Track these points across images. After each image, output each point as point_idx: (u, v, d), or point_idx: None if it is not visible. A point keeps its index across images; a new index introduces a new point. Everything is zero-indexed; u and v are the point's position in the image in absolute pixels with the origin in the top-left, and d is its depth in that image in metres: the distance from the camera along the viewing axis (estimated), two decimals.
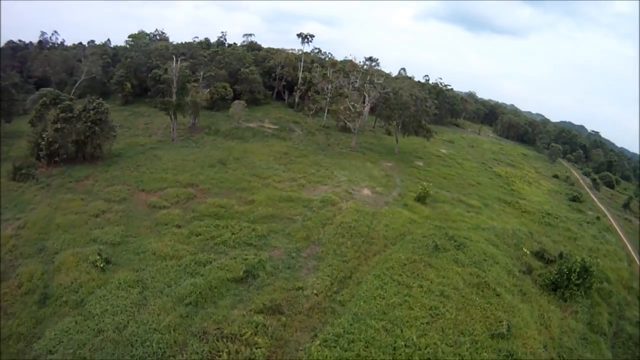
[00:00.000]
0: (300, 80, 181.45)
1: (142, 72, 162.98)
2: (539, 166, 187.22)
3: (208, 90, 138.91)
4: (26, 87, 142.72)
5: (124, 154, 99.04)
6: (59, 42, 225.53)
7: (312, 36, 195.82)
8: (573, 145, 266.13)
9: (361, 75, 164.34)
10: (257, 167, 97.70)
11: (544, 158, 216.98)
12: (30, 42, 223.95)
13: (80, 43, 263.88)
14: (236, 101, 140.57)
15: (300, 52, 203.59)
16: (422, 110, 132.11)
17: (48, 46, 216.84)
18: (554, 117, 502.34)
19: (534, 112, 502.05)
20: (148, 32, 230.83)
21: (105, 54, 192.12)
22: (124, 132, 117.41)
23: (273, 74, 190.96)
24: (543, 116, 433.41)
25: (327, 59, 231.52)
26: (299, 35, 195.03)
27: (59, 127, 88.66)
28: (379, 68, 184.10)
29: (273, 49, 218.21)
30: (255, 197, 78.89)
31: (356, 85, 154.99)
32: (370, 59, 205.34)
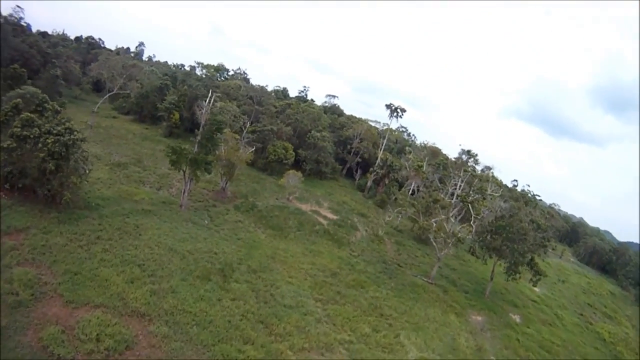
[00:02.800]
0: (378, 161, 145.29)
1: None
2: (630, 314, 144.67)
3: (253, 149, 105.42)
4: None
5: (99, 208, 68.20)
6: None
7: (403, 110, 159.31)
8: None
9: (465, 177, 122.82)
10: (278, 298, 59.26)
11: (631, 298, 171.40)
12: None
13: (150, 58, 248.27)
14: (292, 172, 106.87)
15: (385, 127, 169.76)
16: (539, 244, 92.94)
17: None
18: (622, 235, 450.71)
19: (602, 228, 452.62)
20: (229, 67, 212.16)
21: (167, 74, 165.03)
22: (133, 173, 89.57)
23: (349, 146, 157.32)
24: (611, 234, 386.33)
25: (411, 141, 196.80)
26: (388, 106, 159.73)
27: (10, 145, 61.67)
28: (493, 173, 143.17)
29: (354, 117, 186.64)
30: None
31: (458, 191, 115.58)
32: (468, 152, 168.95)
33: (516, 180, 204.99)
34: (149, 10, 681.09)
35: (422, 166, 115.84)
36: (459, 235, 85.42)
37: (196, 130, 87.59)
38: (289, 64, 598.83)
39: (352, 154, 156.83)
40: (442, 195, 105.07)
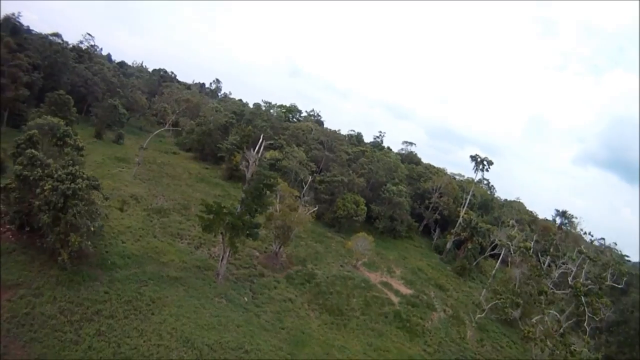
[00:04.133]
0: (460, 220, 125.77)
1: None
2: None
3: (315, 208, 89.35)
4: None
5: (114, 269, 56.01)
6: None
7: (490, 163, 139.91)
8: None
9: (578, 259, 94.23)
10: None
11: None
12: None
13: (226, 95, 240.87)
14: (362, 234, 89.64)
15: (469, 181, 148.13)
16: None
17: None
18: None
19: None
20: (303, 108, 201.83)
21: (235, 112, 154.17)
22: (173, 223, 76.57)
23: (427, 201, 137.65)
24: None
25: (493, 194, 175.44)
26: (473, 158, 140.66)
27: (9, 186, 53.60)
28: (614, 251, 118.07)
29: (433, 167, 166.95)
30: None
31: (570, 278, 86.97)
32: (563, 214, 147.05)
33: (603, 239, 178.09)
34: (230, 47, 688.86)
35: (529, 248, 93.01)
36: (573, 347, 63.82)
37: (242, 184, 70.86)
38: (364, 107, 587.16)
39: (430, 209, 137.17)
40: (549, 284, 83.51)
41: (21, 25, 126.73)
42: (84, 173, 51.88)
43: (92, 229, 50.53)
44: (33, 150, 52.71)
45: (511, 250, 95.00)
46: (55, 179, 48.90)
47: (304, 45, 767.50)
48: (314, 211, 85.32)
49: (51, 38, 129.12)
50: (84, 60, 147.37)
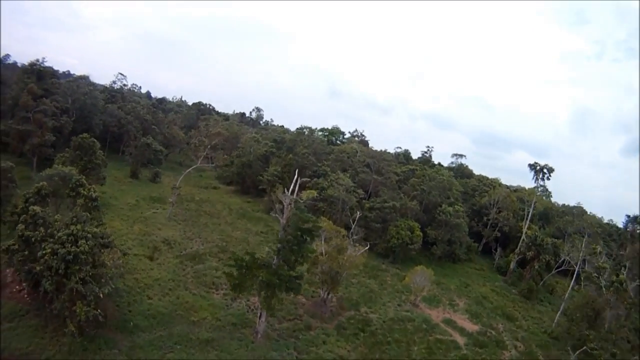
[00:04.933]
0: (523, 239, 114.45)
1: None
2: None
3: (367, 247, 78.04)
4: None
5: (136, 332, 49.99)
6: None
7: (550, 170, 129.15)
8: None
9: None
10: None
11: None
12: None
13: (268, 122, 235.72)
14: (419, 268, 79.71)
15: (529, 192, 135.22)
16: None
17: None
18: None
19: None
20: (345, 129, 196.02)
21: (275, 140, 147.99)
22: (208, 271, 70.22)
23: (485, 218, 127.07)
24: None
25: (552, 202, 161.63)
26: (532, 166, 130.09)
27: (11, 247, 47.14)
28: None
29: (486, 178, 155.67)
30: None
31: None
32: (635, 220, 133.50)
33: None
34: (270, 74, 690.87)
35: (623, 281, 78.44)
36: None
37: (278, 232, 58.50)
38: (407, 120, 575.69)
39: (488, 226, 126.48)
40: None
41: (54, 70, 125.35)
42: (89, 233, 44.92)
43: (100, 295, 43.53)
44: (35, 207, 46.78)
45: (602, 287, 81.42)
46: (56, 240, 42.53)
47: (342, 64, 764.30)
48: (365, 250, 75.40)
49: (80, 80, 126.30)
50: (116, 100, 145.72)
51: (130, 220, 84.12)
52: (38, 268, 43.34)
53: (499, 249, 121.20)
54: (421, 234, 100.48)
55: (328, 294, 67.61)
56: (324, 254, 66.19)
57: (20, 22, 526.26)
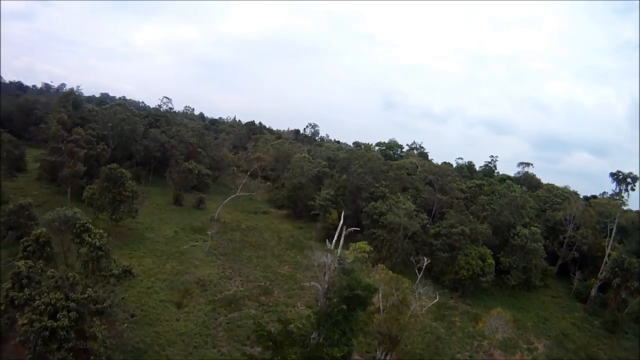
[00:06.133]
0: (606, 262, 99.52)
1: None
2: None
3: (436, 300, 64.93)
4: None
5: None
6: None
7: (635, 179, 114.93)
8: None
9: None
10: None
11: None
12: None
13: (323, 139, 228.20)
14: (496, 312, 67.49)
15: (612, 205, 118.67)
16: None
17: None
18: None
19: None
20: (403, 143, 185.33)
21: (328, 158, 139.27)
22: (246, 320, 61.11)
23: (562, 236, 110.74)
24: None
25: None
26: (615, 175, 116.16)
27: None
28: None
29: (556, 188, 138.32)
30: None
31: None
32: None
33: None
34: (324, 89, 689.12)
35: None
36: None
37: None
38: (463, 127, 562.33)
39: (564, 246, 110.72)
40: None
41: (99, 97, 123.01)
42: (73, 301, 36.41)
43: None
44: (20, 263, 39.04)
45: None
46: (34, 309, 34.39)
47: (397, 75, 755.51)
48: (433, 304, 63.32)
49: (117, 107, 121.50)
50: (160, 124, 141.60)
51: (163, 257, 76.67)
52: (17, 339, 35.46)
53: (577, 273, 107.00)
54: (493, 262, 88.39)
55: (386, 354, 56.23)
56: (381, 310, 55.14)
57: (74, 53, 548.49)
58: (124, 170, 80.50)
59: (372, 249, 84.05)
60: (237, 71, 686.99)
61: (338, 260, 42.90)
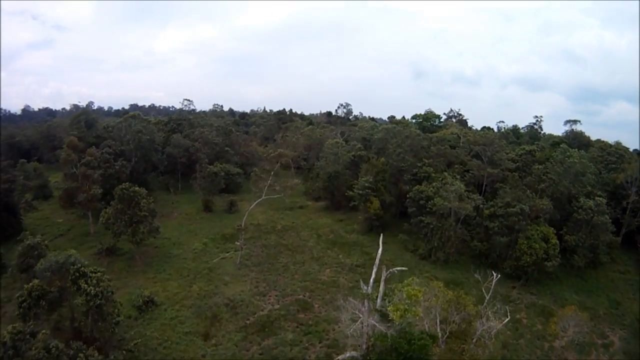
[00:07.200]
0: None
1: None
2: None
3: (507, 319, 52.94)
4: None
5: None
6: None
7: None
8: None
9: None
10: None
11: None
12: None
13: (357, 117, 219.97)
14: (571, 310, 57.79)
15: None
16: None
17: None
18: None
19: None
20: (440, 112, 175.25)
21: (365, 138, 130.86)
22: (278, 347, 53.44)
23: (625, 202, 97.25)
24: None
25: None
26: None
27: None
28: None
29: (609, 145, 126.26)
30: None
31: None
32: None
33: None
34: (349, 69, 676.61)
35: None
36: None
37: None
38: (497, 88, 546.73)
39: (628, 212, 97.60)
40: None
41: (121, 111, 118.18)
42: None
43: None
44: (6, 332, 33.62)
45: None
46: None
47: (424, 44, 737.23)
48: (505, 322, 51.75)
49: (131, 120, 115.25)
50: (182, 128, 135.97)
51: (190, 276, 69.84)
52: None
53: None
54: (557, 242, 77.81)
55: None
56: (440, 340, 46.25)
57: (99, 70, 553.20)
58: (137, 188, 73.15)
59: (423, 244, 76.78)
60: (262, 62, 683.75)
61: (379, 314, 33.29)
